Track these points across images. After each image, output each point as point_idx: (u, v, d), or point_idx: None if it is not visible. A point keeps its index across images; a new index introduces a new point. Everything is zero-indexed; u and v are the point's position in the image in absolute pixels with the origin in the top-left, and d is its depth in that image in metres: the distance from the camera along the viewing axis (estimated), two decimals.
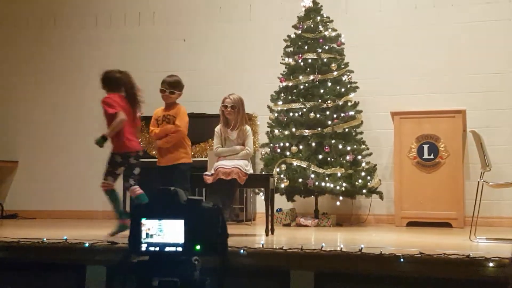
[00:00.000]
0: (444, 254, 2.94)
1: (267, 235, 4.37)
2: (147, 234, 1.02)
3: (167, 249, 1.03)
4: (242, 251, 3.24)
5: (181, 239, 1.02)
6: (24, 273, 3.55)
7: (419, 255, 2.99)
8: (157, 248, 1.03)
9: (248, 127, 4.62)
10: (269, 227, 4.45)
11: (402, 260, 2.98)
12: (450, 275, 2.90)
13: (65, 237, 3.56)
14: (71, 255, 3.49)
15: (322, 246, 3.23)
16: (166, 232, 1.03)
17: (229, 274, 1.01)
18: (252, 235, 4.67)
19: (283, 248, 3.29)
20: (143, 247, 1.03)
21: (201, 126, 6.50)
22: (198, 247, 1.00)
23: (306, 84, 5.78)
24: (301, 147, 5.65)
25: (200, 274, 1.02)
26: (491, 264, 2.80)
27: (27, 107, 7.30)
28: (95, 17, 7.19)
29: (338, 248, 3.23)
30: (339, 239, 4.35)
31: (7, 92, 7.33)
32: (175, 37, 6.92)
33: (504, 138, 5.79)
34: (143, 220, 1.01)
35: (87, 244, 3.47)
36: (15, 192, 7.18)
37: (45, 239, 3.57)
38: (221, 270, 0.99)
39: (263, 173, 5.60)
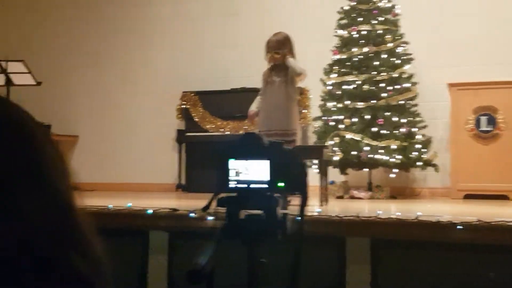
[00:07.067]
0: (503, 221, 2.93)
1: (321, 205, 4.43)
2: (235, 172, 1.11)
3: (253, 186, 1.12)
4: (298, 218, 3.31)
5: (266, 177, 1.10)
6: None
7: (477, 223, 3.00)
8: (244, 185, 1.11)
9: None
10: (323, 198, 4.51)
11: (459, 227, 2.99)
12: (508, 242, 2.90)
13: (129, 204, 3.73)
14: (135, 221, 3.66)
15: (378, 214, 3.28)
16: (252, 171, 1.12)
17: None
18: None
19: (339, 215, 3.35)
20: (232, 184, 1.12)
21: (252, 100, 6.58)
22: (281, 184, 1.08)
23: (360, 57, 5.75)
24: (354, 119, 5.64)
25: (282, 210, 1.11)
26: None
27: (86, 81, 7.55)
28: None
29: (394, 216, 3.27)
30: (394, 209, 4.37)
31: (65, 67, 7.58)
32: (227, 13, 6.98)
33: None
34: (231, 161, 1.10)
35: (150, 211, 3.63)
36: (75, 165, 7.45)
37: (110, 206, 3.75)
38: (302, 205, 1.07)
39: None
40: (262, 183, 1.10)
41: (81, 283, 0.51)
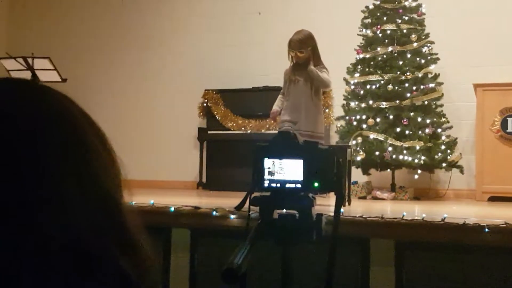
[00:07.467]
0: None
1: (344, 205, 4.39)
2: (269, 172, 1.09)
3: (287, 185, 1.10)
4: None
5: (300, 177, 1.08)
6: None
7: (505, 225, 2.95)
8: (278, 185, 1.10)
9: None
10: (346, 198, 4.47)
11: (486, 230, 2.94)
12: None
13: (152, 202, 3.73)
14: (157, 218, 3.66)
15: (403, 215, 3.24)
16: (286, 170, 1.10)
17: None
18: (328, 205, 4.71)
19: (363, 216, 3.31)
20: (266, 183, 1.10)
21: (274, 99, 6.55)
22: (316, 184, 1.06)
23: (384, 56, 5.69)
24: (378, 119, 5.59)
25: (316, 211, 1.09)
26: None
27: (108, 79, 7.59)
28: None
29: (419, 218, 3.22)
30: (419, 210, 4.31)
31: (86, 65, 7.63)
32: (250, 11, 6.97)
33: None
34: (266, 159, 1.08)
35: (172, 209, 3.63)
36: None
37: (133, 202, 3.75)
38: (338, 205, 1.05)
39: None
40: (296, 183, 1.08)
41: (126, 282, 0.50)
